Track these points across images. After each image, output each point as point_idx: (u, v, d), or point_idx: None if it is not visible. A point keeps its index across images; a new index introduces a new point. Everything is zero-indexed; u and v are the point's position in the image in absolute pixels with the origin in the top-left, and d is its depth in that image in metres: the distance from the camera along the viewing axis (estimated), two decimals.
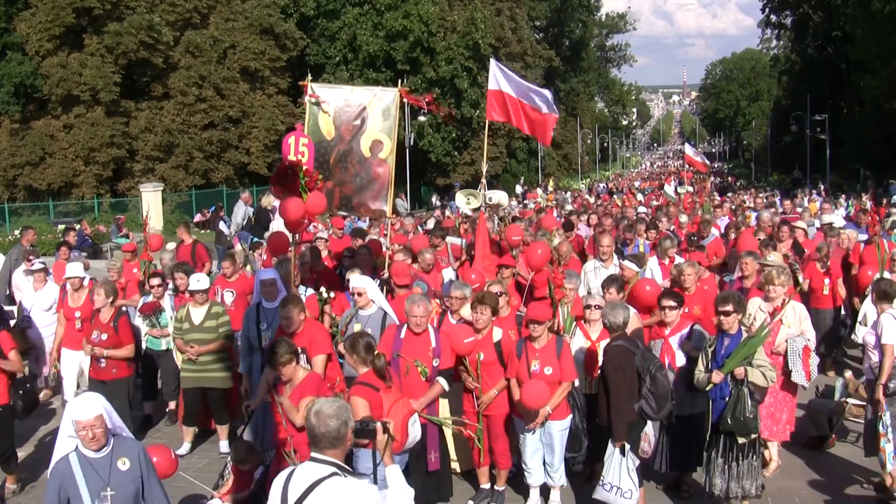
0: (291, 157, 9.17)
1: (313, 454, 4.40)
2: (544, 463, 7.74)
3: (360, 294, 8.49)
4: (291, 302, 8.03)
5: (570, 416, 7.69)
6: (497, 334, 7.93)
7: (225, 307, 10.14)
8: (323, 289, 10.03)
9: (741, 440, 7.26)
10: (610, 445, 7.18)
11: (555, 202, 37.59)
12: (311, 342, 7.75)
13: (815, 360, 8.65)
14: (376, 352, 6.84)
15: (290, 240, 9.43)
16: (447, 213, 30.14)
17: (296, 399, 6.63)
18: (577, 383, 7.84)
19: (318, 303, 9.84)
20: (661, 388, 7.23)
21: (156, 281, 10.73)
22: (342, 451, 4.46)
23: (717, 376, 7.30)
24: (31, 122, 38.38)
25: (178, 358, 9.77)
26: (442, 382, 7.62)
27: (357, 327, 8.22)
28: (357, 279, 8.73)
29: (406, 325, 7.71)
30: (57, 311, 11.01)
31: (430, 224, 17.94)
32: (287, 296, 8.50)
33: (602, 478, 7.19)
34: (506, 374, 7.72)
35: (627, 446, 7.13)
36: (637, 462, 7.26)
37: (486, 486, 8.13)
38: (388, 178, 10.08)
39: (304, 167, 8.99)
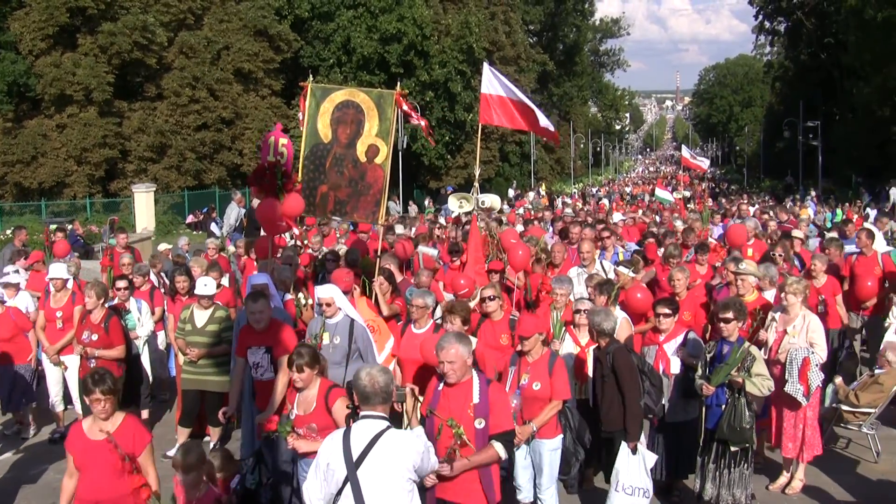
0: (270, 158, 9.19)
1: (365, 412, 4.91)
2: (534, 482, 7.41)
3: (328, 304, 8.14)
4: (263, 297, 7.99)
5: (561, 436, 7.27)
6: (472, 343, 7.73)
7: None
8: (301, 294, 10.00)
9: (734, 448, 7.27)
10: (623, 448, 7.10)
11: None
12: (277, 342, 7.69)
13: (816, 374, 8.06)
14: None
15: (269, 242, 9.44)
16: (425, 216, 30.00)
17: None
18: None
19: (295, 307, 9.84)
20: (658, 382, 7.48)
21: (122, 283, 10.65)
22: (388, 407, 5.01)
23: (707, 390, 7.33)
24: (24, 122, 38.25)
25: (180, 358, 9.75)
26: (497, 448, 5.76)
27: (325, 336, 8.09)
28: (324, 290, 8.37)
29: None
30: (39, 308, 10.91)
31: (399, 229, 17.53)
32: (256, 291, 8.41)
33: (617, 483, 7.08)
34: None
35: (641, 445, 7.13)
36: (654, 458, 7.27)
37: None
38: (384, 183, 10.09)
39: (283, 168, 9.00)
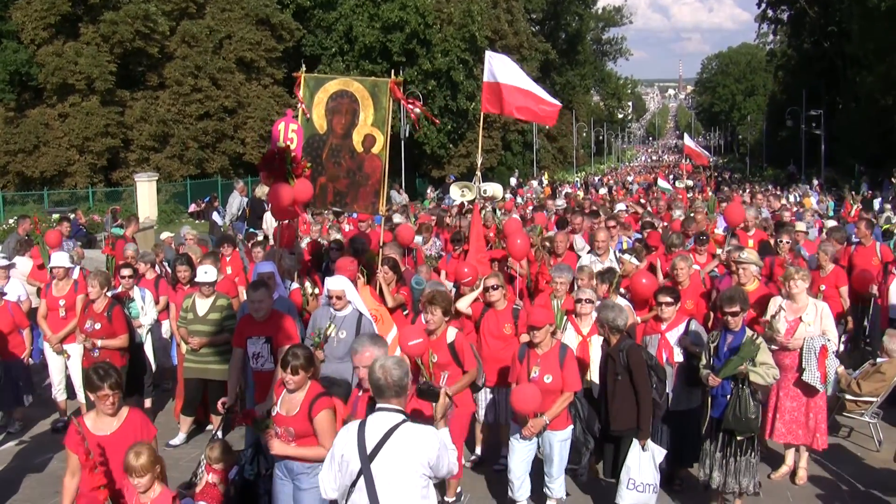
0: (280, 144, 9.17)
1: (380, 405, 4.80)
2: (541, 472, 7.41)
3: (338, 297, 8.03)
4: (264, 286, 7.97)
5: (571, 426, 7.32)
6: (451, 335, 7.58)
7: None
8: (308, 283, 10.00)
9: (739, 437, 7.25)
10: (635, 445, 7.08)
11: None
12: (278, 332, 7.67)
13: (833, 361, 8.19)
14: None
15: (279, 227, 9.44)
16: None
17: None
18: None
19: (302, 296, 9.82)
20: (663, 376, 7.41)
21: (126, 272, 10.62)
22: (404, 400, 4.89)
23: (713, 381, 7.28)
24: (26, 111, 38.25)
25: (182, 347, 9.76)
26: None
27: (332, 329, 8.02)
28: (335, 282, 8.24)
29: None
30: (41, 297, 10.91)
31: (397, 218, 17.49)
32: (257, 280, 8.38)
33: (630, 480, 7.04)
34: (508, 378, 7.46)
35: (649, 441, 7.14)
36: (663, 453, 7.27)
37: (450, 498, 7.79)
38: (382, 173, 10.06)
39: (293, 153, 8.98)
